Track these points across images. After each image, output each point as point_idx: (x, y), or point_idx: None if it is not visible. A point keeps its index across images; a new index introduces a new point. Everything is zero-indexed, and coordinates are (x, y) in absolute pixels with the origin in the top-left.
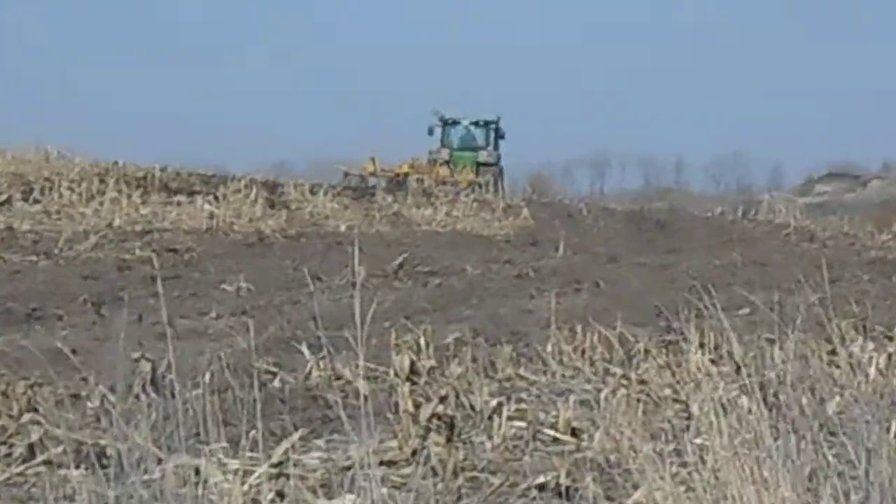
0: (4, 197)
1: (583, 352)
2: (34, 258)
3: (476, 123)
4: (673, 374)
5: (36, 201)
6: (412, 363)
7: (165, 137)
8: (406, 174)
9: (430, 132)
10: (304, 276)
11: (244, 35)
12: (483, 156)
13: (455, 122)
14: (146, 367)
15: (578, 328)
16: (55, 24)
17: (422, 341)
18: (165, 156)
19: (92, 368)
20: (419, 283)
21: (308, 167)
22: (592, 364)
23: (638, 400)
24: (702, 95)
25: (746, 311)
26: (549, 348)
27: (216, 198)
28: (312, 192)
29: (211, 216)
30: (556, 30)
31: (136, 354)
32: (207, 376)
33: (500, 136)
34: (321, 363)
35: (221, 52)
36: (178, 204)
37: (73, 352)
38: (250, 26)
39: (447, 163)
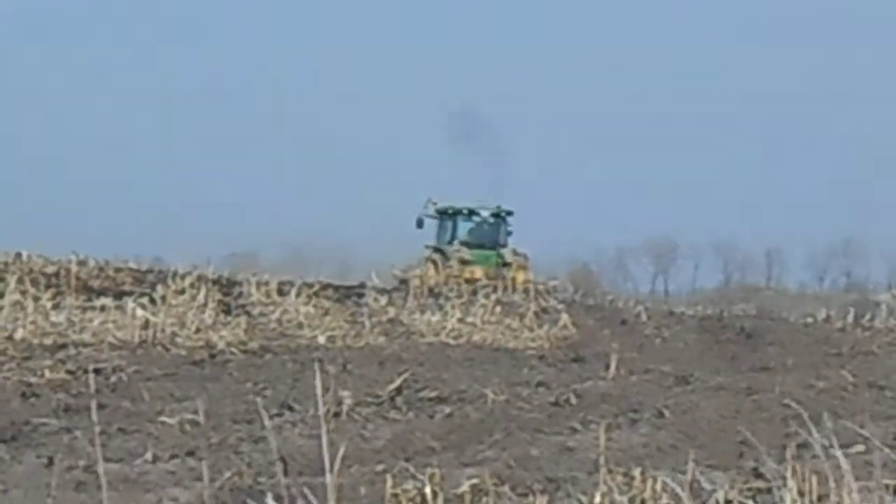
0: None
1: (642, 503)
2: None
3: (497, 215)
4: None
5: None
6: None
7: (83, 222)
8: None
9: (420, 224)
10: (271, 404)
11: (191, 73)
12: (508, 255)
13: (471, 213)
14: None
15: (636, 472)
16: None
17: (427, 490)
18: (84, 246)
19: None
20: (424, 412)
21: (278, 258)
22: None
23: None
24: (802, 169)
25: (860, 448)
26: (597, 499)
27: (153, 301)
28: (281, 293)
29: (146, 325)
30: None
31: None
32: None
33: (509, 231)
34: None
35: (149, 97)
36: (103, 309)
37: None
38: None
39: (465, 262)
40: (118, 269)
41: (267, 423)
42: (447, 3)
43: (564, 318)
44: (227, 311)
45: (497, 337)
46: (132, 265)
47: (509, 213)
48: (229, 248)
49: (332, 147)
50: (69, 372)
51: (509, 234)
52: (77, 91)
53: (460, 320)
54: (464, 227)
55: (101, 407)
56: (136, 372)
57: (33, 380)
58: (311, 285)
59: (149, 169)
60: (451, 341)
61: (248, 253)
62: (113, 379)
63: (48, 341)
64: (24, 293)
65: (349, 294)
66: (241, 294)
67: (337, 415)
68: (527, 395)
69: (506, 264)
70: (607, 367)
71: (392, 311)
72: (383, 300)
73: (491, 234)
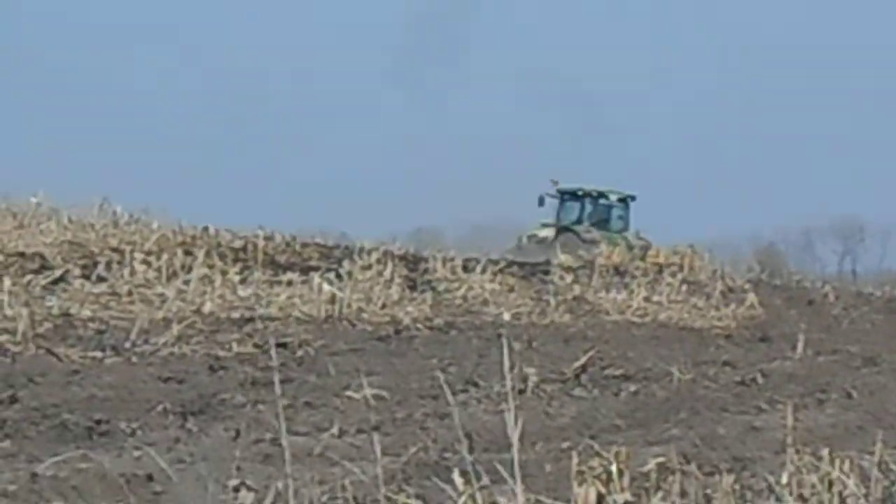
0: (59, 273)
1: (830, 484)
2: (98, 354)
3: (623, 200)
4: None
5: (100, 279)
6: (600, 497)
7: (270, 196)
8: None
9: (542, 203)
10: (456, 380)
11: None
12: (633, 238)
13: (600, 196)
14: (247, 498)
15: (824, 453)
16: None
17: (613, 468)
18: (271, 220)
19: (175, 499)
20: (609, 390)
21: (460, 234)
22: (843, 501)
23: None
24: None
25: None
26: (784, 479)
27: (339, 276)
28: (466, 269)
29: (332, 300)
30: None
31: (233, 481)
32: None
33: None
34: (478, 496)
35: (342, 90)
36: (289, 284)
37: (150, 477)
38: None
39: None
40: (305, 245)
41: (452, 399)
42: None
43: (751, 297)
44: (413, 288)
45: (683, 316)
46: (319, 240)
47: (633, 198)
48: (414, 224)
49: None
50: (256, 346)
51: (621, 218)
52: (261, 67)
53: (646, 299)
54: (596, 211)
55: (287, 381)
56: (322, 346)
57: (221, 353)
58: (496, 262)
59: (336, 145)
60: (637, 320)
61: (433, 229)
62: (299, 353)
63: (235, 315)
64: (211, 267)
65: (534, 272)
66: (426, 270)
67: (522, 392)
68: (713, 374)
69: (632, 248)
70: (794, 347)
71: (578, 289)
72: (569, 278)
73: (616, 218)
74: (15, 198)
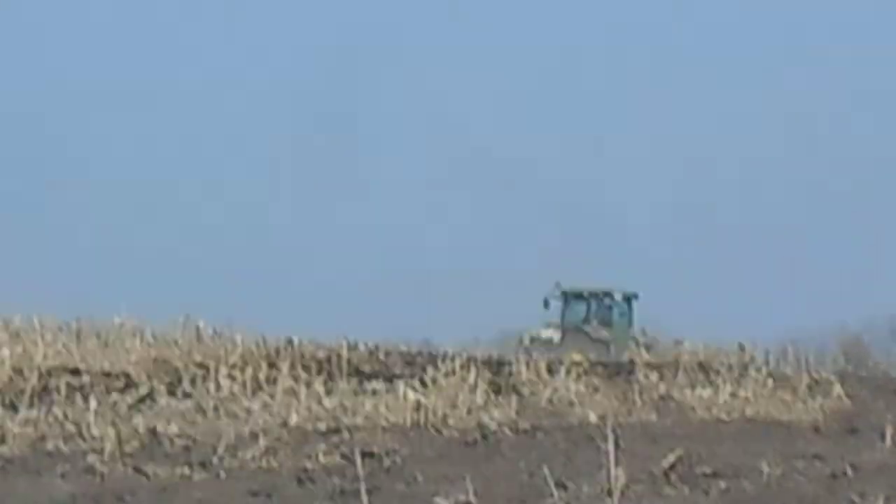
0: (145, 391)
1: None
2: (186, 470)
3: (627, 298)
4: None
5: (186, 395)
6: None
7: (352, 306)
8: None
9: (547, 305)
10: (544, 483)
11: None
12: (639, 335)
13: (605, 295)
14: None
15: None
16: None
17: None
18: (353, 330)
19: None
20: (699, 488)
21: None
22: None
23: None
24: None
25: None
26: None
27: (423, 383)
28: (550, 372)
29: (418, 407)
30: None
31: None
32: None
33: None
34: None
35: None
36: (374, 393)
37: None
38: None
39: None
40: (388, 353)
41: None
42: None
43: (838, 389)
44: (498, 392)
45: (770, 410)
46: (402, 348)
47: (636, 296)
48: (496, 326)
49: None
50: (343, 456)
51: (623, 315)
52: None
53: (732, 394)
54: (594, 308)
55: (375, 490)
56: (409, 454)
57: (308, 465)
58: (580, 363)
59: (415, 250)
60: (724, 416)
61: (516, 330)
62: (387, 462)
63: (322, 426)
64: (296, 379)
65: (619, 371)
66: (510, 374)
67: (611, 493)
68: (803, 468)
69: (638, 344)
70: (883, 438)
71: (663, 388)
72: (654, 376)
73: (619, 315)
74: (99, 318)
